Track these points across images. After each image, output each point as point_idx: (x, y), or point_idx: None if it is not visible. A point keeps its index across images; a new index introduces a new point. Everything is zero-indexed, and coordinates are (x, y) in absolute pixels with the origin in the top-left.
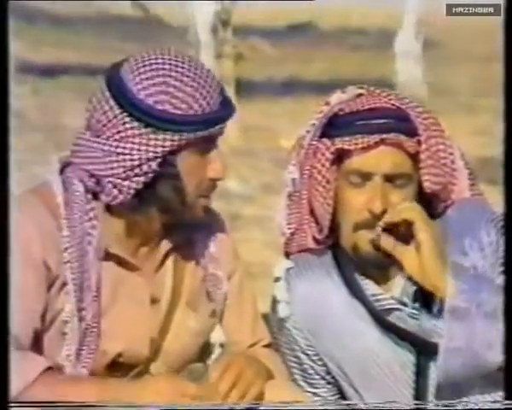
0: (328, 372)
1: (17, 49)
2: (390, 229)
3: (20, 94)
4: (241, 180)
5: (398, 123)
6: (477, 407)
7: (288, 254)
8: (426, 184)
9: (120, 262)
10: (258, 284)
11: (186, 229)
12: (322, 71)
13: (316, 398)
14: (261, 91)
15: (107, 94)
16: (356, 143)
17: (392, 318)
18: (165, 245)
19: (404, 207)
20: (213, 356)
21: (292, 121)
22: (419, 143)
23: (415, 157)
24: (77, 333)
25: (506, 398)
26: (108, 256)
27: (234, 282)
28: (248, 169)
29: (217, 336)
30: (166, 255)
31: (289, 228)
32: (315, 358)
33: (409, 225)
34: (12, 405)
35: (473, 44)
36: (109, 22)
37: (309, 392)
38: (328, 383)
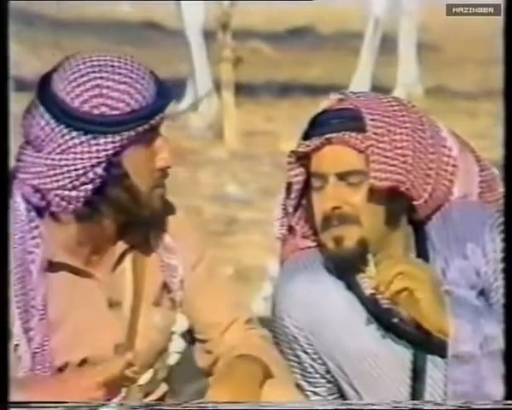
0: (328, 371)
1: (15, 53)
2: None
3: (19, 99)
4: (240, 184)
5: (349, 122)
6: (477, 407)
7: (285, 254)
8: (370, 181)
9: (72, 270)
10: (256, 288)
11: (141, 225)
12: (322, 74)
13: (315, 397)
14: (260, 95)
15: (41, 109)
16: (308, 146)
17: (391, 317)
18: (121, 246)
19: (397, 276)
20: (174, 344)
21: (291, 125)
22: (369, 139)
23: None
24: (28, 355)
25: (506, 398)
26: (58, 266)
27: (202, 269)
28: (247, 173)
29: (177, 324)
30: (123, 256)
31: (282, 230)
32: (315, 357)
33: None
34: (12, 405)
35: (472, 48)
36: (108, 26)
37: (309, 391)
38: (328, 382)
